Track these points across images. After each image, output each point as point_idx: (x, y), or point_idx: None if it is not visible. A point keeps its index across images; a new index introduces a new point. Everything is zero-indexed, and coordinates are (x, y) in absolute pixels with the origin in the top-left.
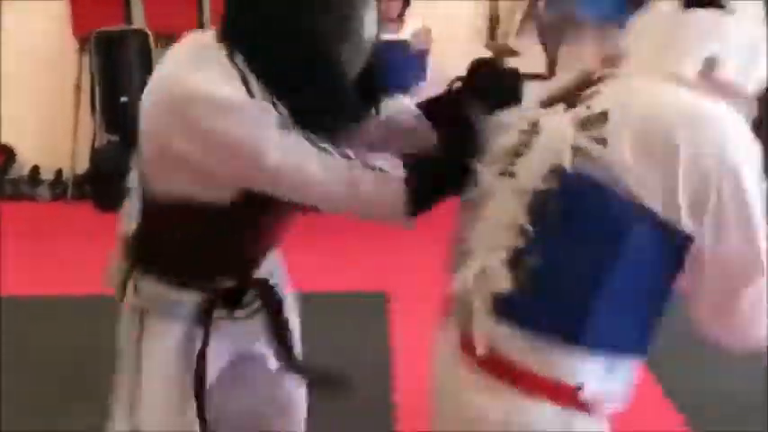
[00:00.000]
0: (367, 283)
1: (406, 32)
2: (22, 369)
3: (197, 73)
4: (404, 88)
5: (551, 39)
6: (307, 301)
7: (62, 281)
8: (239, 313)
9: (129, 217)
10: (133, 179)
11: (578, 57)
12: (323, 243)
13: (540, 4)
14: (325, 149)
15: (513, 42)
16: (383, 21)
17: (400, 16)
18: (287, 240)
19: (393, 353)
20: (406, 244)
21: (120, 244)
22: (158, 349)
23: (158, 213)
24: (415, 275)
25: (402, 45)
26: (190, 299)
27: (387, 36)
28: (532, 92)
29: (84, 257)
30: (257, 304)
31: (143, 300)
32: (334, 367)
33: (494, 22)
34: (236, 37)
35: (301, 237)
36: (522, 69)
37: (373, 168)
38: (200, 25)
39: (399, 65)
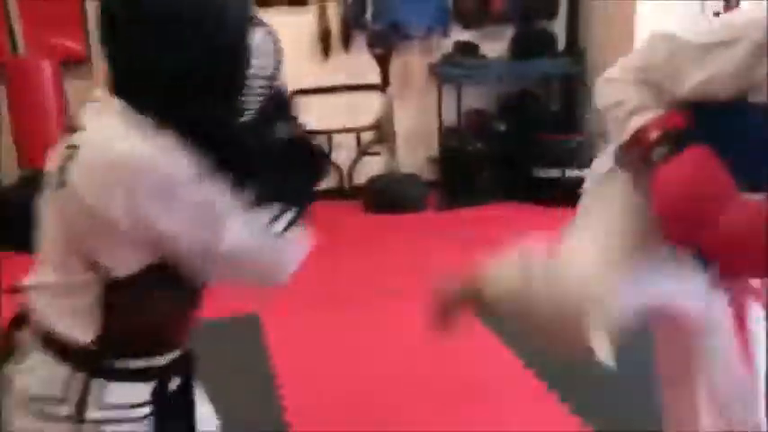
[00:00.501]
0: (238, 307)
1: None
2: None
3: (117, 140)
4: None
5: (381, 49)
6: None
7: None
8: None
9: (67, 321)
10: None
11: (407, 66)
12: None
13: (368, 16)
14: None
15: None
16: None
17: None
18: None
19: (276, 373)
20: None
21: (50, 354)
22: None
23: (127, 297)
24: (283, 295)
25: None
26: (147, 391)
27: None
28: None
29: None
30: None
31: (107, 411)
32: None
33: (325, 35)
34: (128, 92)
35: None
36: (357, 81)
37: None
38: (14, 49)
39: None
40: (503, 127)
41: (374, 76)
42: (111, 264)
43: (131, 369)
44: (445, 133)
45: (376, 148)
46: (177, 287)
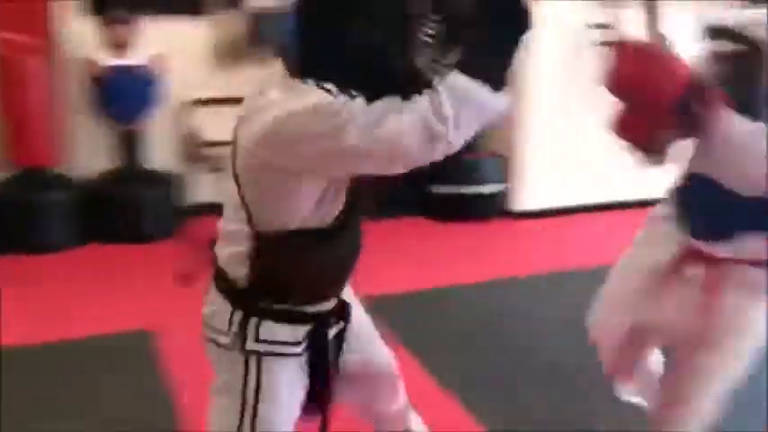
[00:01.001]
0: (126, 322)
1: (137, 58)
2: None
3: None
4: (135, 112)
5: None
6: (72, 347)
7: None
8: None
9: (230, 265)
10: (231, 227)
11: None
12: (78, 286)
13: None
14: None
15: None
16: (112, 46)
17: (127, 42)
18: (45, 288)
19: (171, 389)
20: (163, 282)
21: (220, 293)
22: (278, 385)
23: (275, 251)
24: (177, 311)
25: (134, 70)
26: (302, 333)
27: (116, 62)
28: None
29: None
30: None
31: (262, 344)
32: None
33: (220, 47)
34: (309, 68)
35: (55, 283)
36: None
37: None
38: None
39: (131, 89)
40: None
41: None
42: (262, 220)
43: (286, 311)
44: None
45: None
46: (320, 251)
